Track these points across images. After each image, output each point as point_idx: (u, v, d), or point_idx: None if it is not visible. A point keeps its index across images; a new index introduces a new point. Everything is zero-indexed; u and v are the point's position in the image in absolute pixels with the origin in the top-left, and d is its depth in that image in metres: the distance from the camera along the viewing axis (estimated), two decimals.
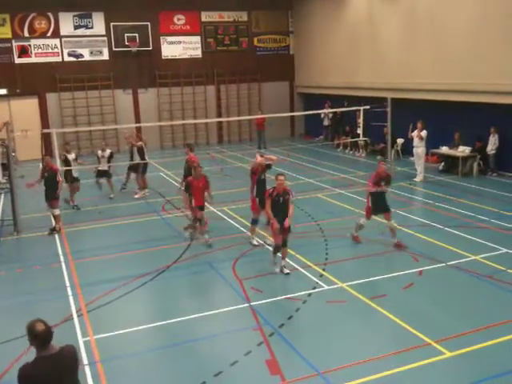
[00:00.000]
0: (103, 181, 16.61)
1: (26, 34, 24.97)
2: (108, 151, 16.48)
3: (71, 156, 15.66)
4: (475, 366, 6.91)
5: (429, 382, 6.63)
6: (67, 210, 15.29)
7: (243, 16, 28.67)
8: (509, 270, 9.80)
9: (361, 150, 23.16)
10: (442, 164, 19.02)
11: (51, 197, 13.33)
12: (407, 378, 6.71)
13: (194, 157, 13.69)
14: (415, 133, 17.38)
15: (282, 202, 10.05)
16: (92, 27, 25.90)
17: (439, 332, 7.69)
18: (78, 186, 15.70)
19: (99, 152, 16.59)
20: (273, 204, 10.10)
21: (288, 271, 10.09)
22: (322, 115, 26.21)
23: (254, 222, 11.84)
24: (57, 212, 13.39)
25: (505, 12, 16.20)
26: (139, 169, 16.69)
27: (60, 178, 13.48)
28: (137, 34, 26.15)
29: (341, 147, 24.66)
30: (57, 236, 13.13)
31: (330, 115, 26.04)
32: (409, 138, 18.08)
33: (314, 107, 26.05)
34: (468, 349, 7.24)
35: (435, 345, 7.36)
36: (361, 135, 20.41)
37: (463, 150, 18.30)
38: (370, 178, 11.80)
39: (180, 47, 27.60)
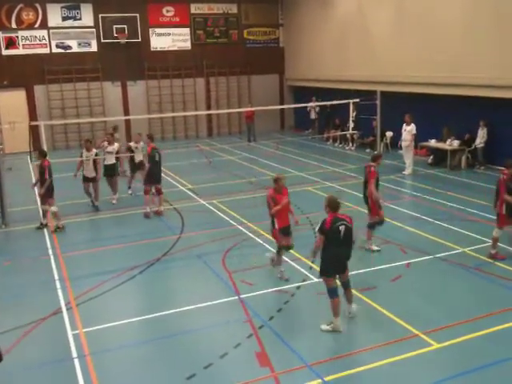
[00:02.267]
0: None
1: (14, 26, 24.67)
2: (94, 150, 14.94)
3: (88, 154, 14.36)
4: (463, 358, 6.98)
5: (417, 374, 6.69)
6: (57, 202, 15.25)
7: (233, 8, 28.55)
8: (496, 263, 9.88)
9: (350, 143, 23.20)
10: (431, 157, 19.12)
11: (43, 194, 12.78)
12: (395, 369, 6.76)
13: (151, 146, 13.79)
14: (405, 127, 17.49)
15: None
16: (80, 19, 25.66)
17: (427, 324, 7.75)
18: (96, 186, 14.59)
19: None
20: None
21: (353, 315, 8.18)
22: (308, 109, 26.26)
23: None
24: (53, 209, 12.86)
25: (494, 5, 16.25)
26: (116, 171, 15.60)
27: (47, 175, 12.60)
28: (125, 26, 25.94)
29: (330, 140, 24.71)
30: (45, 229, 13.06)
31: (317, 109, 26.09)
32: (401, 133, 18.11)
33: (303, 100, 26.06)
34: (455, 340, 7.30)
35: (423, 336, 7.42)
36: (350, 128, 20.48)
37: (452, 144, 18.40)
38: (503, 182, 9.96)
39: (169, 39, 27.44)
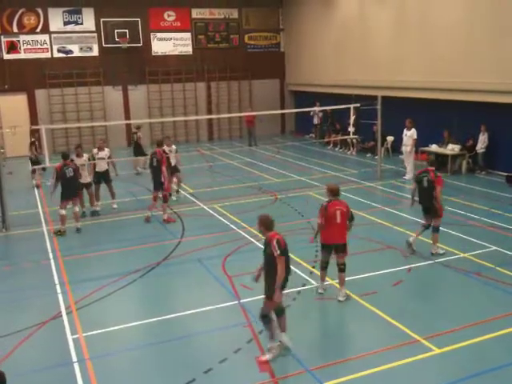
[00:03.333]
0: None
1: (15, 30, 24.77)
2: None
3: (80, 160, 14.19)
4: (463, 363, 6.95)
5: (417, 379, 6.66)
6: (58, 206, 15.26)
7: (234, 13, 28.63)
8: (497, 268, 9.87)
9: (351, 148, 23.21)
10: None
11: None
12: (396, 374, 6.74)
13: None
14: (405, 132, 17.48)
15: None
16: (82, 23, 25.75)
17: (428, 329, 7.73)
18: (90, 191, 14.51)
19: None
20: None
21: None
22: (312, 113, 26.28)
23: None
24: (60, 212, 12.90)
25: (493, 11, 16.29)
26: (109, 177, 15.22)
27: (53, 178, 13.11)
28: (127, 30, 26.04)
29: (331, 145, 24.74)
30: (46, 233, 13.06)
31: (320, 114, 26.10)
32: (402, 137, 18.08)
33: (304, 105, 26.02)
34: (456, 345, 7.28)
35: (424, 341, 7.40)
36: (351, 133, 20.48)
37: (452, 148, 18.39)
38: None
39: (170, 44, 27.52)
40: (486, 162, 17.96)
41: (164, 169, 13.79)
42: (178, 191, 15.99)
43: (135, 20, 26.20)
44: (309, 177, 18.24)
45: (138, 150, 19.71)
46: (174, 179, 15.82)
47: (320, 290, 9.08)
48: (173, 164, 15.40)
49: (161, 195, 13.84)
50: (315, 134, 27.09)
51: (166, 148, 15.39)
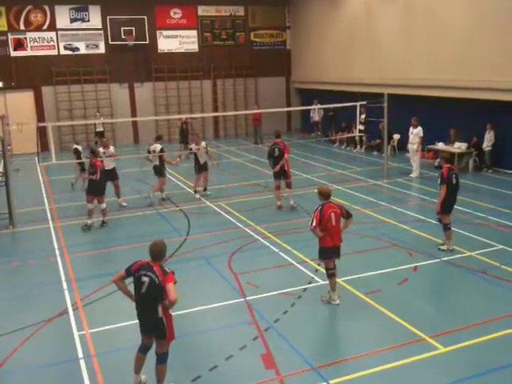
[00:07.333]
0: None
1: (22, 27, 24.87)
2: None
3: (108, 151, 14.62)
4: (469, 362, 6.94)
5: (423, 378, 6.66)
6: (65, 203, 15.32)
7: (240, 10, 28.62)
8: (503, 266, 9.83)
9: (358, 146, 23.18)
10: (438, 160, 19.04)
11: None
12: (401, 373, 6.74)
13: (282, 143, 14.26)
14: (411, 130, 17.44)
15: None
16: (88, 20, 25.81)
17: (434, 327, 7.72)
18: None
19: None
20: None
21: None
22: (312, 112, 26.28)
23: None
24: (102, 206, 13.29)
25: (500, 10, 16.21)
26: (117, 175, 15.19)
27: (97, 172, 13.11)
28: (133, 28, 26.09)
29: (337, 143, 24.71)
30: (52, 230, 13.11)
31: (321, 112, 26.08)
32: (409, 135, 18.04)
33: (310, 103, 26.05)
34: (462, 344, 7.27)
35: (430, 340, 7.39)
36: (356, 131, 20.43)
37: (459, 147, 18.34)
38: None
39: (176, 41, 27.55)
40: (492, 160, 17.90)
41: (286, 157, 13.99)
42: (205, 189, 15.83)
43: (141, 17, 26.23)
44: (315, 174, 18.23)
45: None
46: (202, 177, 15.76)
47: (337, 302, 8.61)
48: (202, 162, 15.43)
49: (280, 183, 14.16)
50: (317, 132, 27.00)
51: (194, 146, 15.52)
